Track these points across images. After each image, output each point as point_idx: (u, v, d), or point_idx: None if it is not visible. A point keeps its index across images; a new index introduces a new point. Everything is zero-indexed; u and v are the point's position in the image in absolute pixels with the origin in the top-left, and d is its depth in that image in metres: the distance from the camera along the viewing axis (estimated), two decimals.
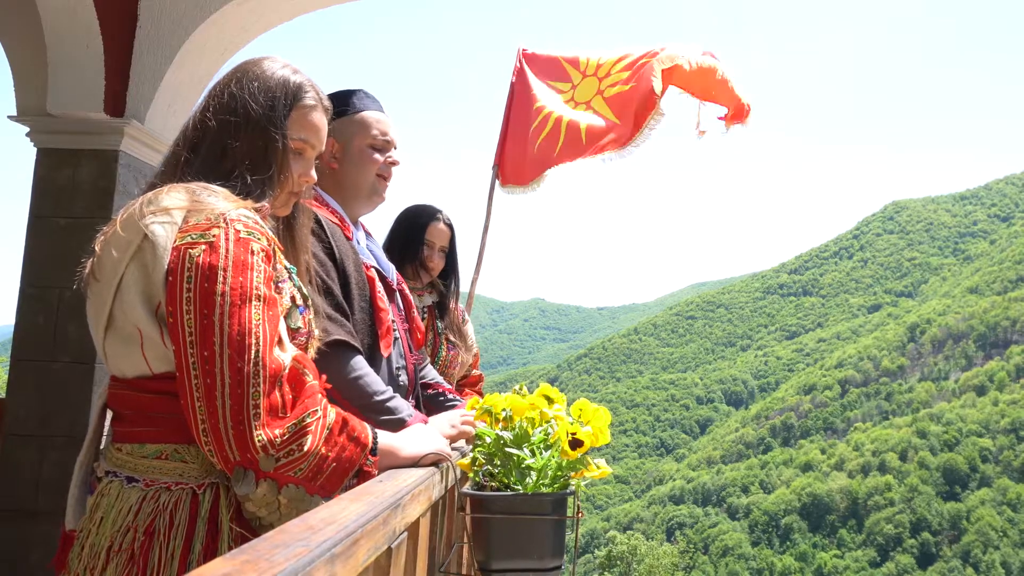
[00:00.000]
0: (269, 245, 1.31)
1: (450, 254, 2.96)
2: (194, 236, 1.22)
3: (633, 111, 3.92)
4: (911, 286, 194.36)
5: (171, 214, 1.24)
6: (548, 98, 4.23)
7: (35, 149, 4.28)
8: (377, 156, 2.10)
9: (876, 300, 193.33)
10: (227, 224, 1.24)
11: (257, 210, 1.34)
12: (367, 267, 2.05)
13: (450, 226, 2.94)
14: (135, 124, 4.16)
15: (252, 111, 1.39)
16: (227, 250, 1.22)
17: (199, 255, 1.21)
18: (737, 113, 4.06)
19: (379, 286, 2.06)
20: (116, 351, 1.27)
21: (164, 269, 1.21)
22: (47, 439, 3.95)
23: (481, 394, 3.04)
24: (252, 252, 1.25)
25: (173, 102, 4.40)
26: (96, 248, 1.29)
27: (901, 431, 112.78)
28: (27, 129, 4.26)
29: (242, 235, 1.25)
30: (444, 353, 2.90)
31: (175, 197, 1.27)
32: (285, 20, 4.58)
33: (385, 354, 2.01)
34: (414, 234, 2.85)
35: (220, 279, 1.20)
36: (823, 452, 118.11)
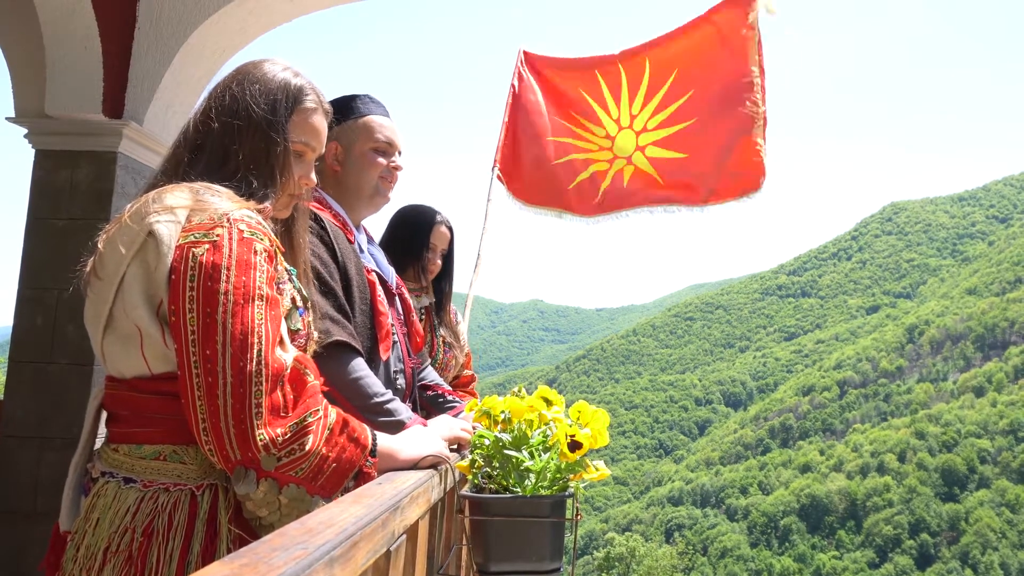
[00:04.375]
0: (271, 246, 1.31)
1: (448, 256, 2.97)
2: (198, 235, 1.23)
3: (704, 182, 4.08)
4: (909, 287, 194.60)
5: (175, 213, 1.24)
6: (580, 139, 4.27)
7: (33, 151, 4.27)
8: (380, 159, 2.10)
9: (874, 301, 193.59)
10: (230, 224, 1.25)
11: (259, 211, 1.34)
12: (368, 271, 2.05)
13: (450, 229, 2.94)
14: (133, 126, 4.16)
15: (254, 114, 1.39)
16: (231, 249, 1.22)
17: (203, 254, 1.21)
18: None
19: (379, 290, 2.06)
20: (114, 351, 1.26)
21: (167, 267, 1.21)
22: (45, 440, 3.95)
23: (474, 394, 3.05)
24: (255, 252, 1.25)
25: (172, 104, 4.40)
26: (98, 246, 1.29)
27: (900, 432, 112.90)
28: (25, 131, 4.26)
29: (245, 235, 1.25)
30: (441, 355, 2.90)
31: (179, 196, 1.28)
32: (284, 21, 4.58)
33: (384, 357, 2.01)
34: (418, 238, 2.84)
35: (223, 278, 1.20)
36: (822, 453, 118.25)
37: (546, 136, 4.25)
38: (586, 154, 4.26)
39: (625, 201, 4.26)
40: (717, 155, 4.09)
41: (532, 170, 4.21)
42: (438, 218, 2.89)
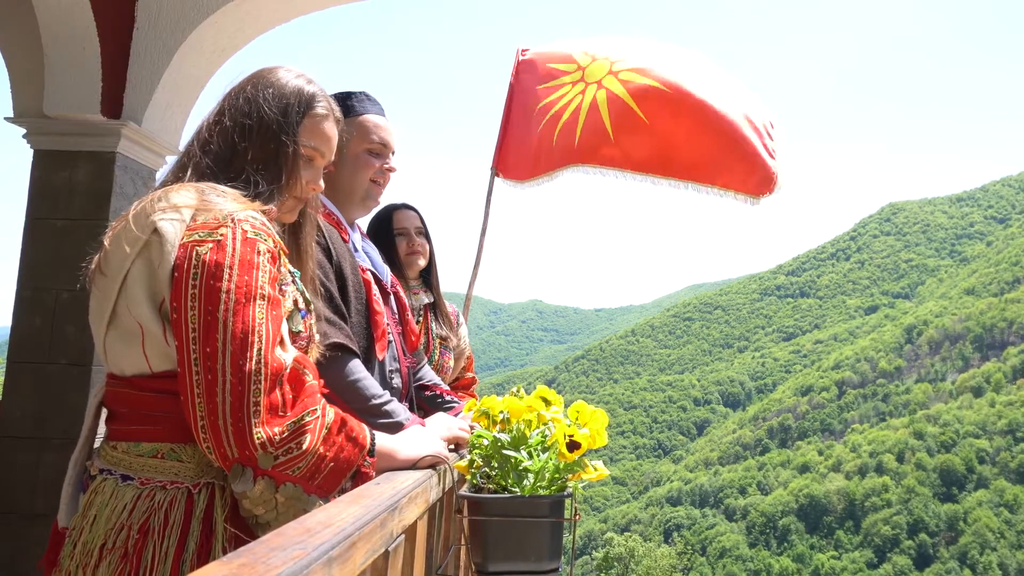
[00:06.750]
0: (275, 247, 1.32)
1: (426, 237, 2.86)
2: (202, 234, 1.24)
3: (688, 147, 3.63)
4: (908, 288, 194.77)
5: (180, 212, 1.26)
6: (556, 88, 4.00)
7: (32, 151, 4.27)
8: (374, 161, 2.10)
9: (873, 302, 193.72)
10: (235, 224, 1.26)
11: (264, 212, 1.36)
12: (363, 270, 2.05)
13: (413, 209, 2.85)
14: (132, 126, 4.16)
15: (265, 116, 1.42)
16: (234, 249, 1.24)
17: (206, 253, 1.22)
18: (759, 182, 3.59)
19: (375, 289, 2.06)
20: (116, 348, 1.27)
21: (170, 265, 1.22)
22: (43, 441, 3.94)
23: (474, 396, 3.02)
24: (258, 252, 1.26)
25: (170, 104, 4.39)
26: (104, 243, 1.30)
27: (898, 432, 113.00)
28: (24, 131, 4.26)
29: (249, 235, 1.26)
30: (437, 356, 2.87)
31: (185, 195, 1.29)
32: (283, 22, 4.58)
33: (380, 357, 2.01)
34: (382, 230, 2.77)
35: (226, 277, 1.21)
36: (820, 453, 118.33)
37: (540, 121, 4.18)
38: (561, 102, 3.94)
39: (609, 154, 3.80)
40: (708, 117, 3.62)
41: (530, 151, 4.12)
42: (396, 204, 2.83)
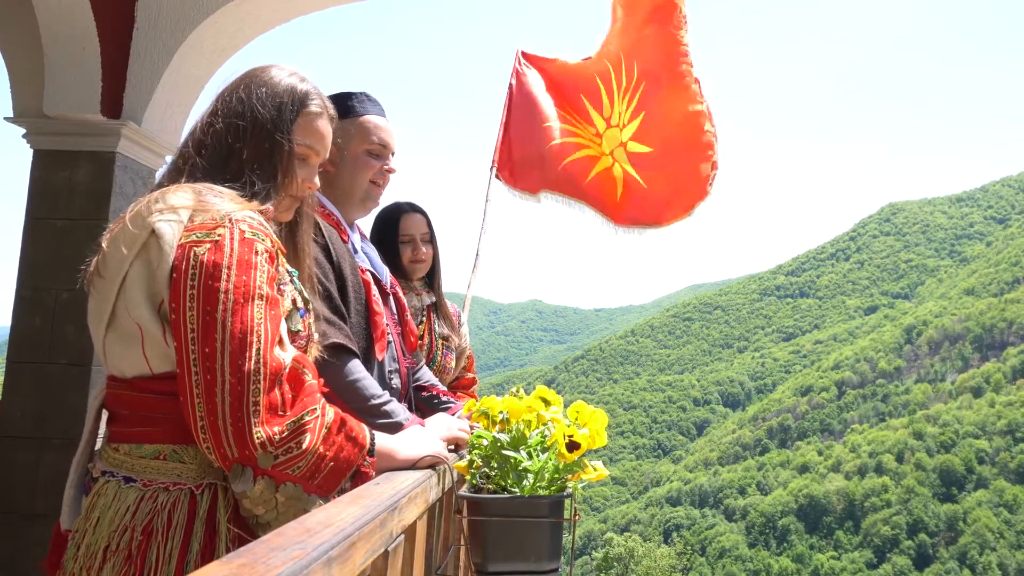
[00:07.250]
0: (273, 247, 1.32)
1: (432, 242, 2.82)
2: (199, 235, 1.24)
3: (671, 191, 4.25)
4: (908, 288, 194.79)
5: (177, 213, 1.26)
6: (572, 120, 4.31)
7: (32, 151, 4.27)
8: (374, 162, 2.09)
9: (873, 302, 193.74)
10: (232, 224, 1.26)
11: (261, 212, 1.36)
12: (362, 270, 2.05)
13: (421, 212, 2.81)
14: (132, 126, 4.16)
15: (259, 115, 1.42)
16: (232, 249, 1.24)
17: (204, 253, 1.22)
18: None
19: (374, 289, 2.06)
20: (116, 350, 1.28)
21: (169, 266, 1.23)
22: (43, 441, 3.94)
23: (475, 397, 3.01)
24: (256, 252, 1.26)
25: (170, 104, 4.39)
26: (103, 245, 1.30)
27: (898, 432, 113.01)
28: (24, 131, 4.26)
29: (247, 235, 1.27)
30: (440, 357, 2.86)
31: (182, 196, 1.29)
32: (283, 22, 4.58)
33: (379, 357, 2.01)
34: (388, 234, 2.74)
35: (224, 277, 1.21)
36: (820, 454, 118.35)
37: (543, 123, 4.26)
38: (577, 138, 4.31)
39: (610, 207, 4.32)
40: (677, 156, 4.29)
41: (529, 159, 4.20)
42: (404, 207, 2.79)
